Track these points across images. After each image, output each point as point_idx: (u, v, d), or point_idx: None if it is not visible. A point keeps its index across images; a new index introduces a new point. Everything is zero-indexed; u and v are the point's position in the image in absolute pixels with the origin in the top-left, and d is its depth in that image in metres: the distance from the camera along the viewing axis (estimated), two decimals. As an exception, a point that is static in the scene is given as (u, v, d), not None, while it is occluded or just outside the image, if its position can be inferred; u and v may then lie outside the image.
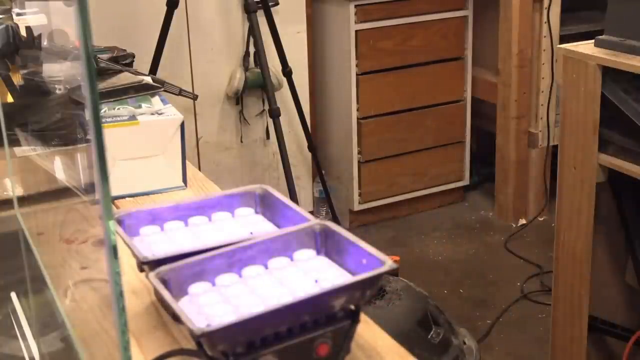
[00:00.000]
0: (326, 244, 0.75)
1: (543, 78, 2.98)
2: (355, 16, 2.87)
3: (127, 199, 1.11)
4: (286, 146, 2.53)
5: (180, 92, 1.34)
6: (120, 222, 0.80)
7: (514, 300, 2.61)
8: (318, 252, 0.75)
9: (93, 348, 0.71)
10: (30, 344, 0.81)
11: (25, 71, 1.13)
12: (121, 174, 1.08)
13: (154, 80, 1.21)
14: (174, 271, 0.70)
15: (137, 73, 1.25)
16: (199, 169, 1.42)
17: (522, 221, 3.14)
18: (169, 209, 0.84)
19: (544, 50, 2.94)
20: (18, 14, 1.14)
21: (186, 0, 2.68)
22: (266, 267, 0.74)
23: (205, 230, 0.82)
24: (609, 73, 1.61)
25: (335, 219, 3.02)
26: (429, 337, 1.57)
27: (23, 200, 1.02)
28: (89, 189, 0.63)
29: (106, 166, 0.45)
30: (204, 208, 0.85)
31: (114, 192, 1.07)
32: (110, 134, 1.06)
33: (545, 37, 2.92)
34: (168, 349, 0.72)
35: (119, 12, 2.61)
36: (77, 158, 0.73)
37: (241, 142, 2.94)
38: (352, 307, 0.68)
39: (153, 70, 2.49)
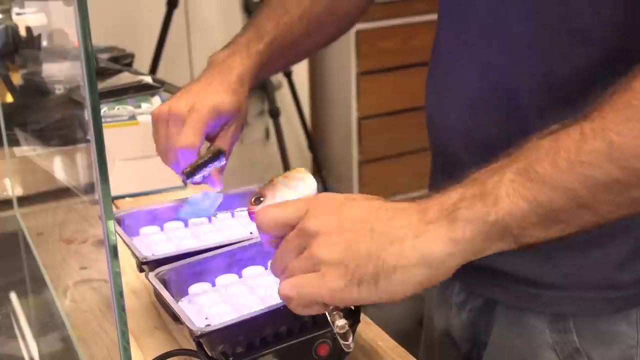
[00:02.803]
0: (326, 244, 0.74)
1: (543, 78, 2.98)
2: (355, 16, 2.87)
3: (127, 199, 1.11)
4: (286, 146, 2.53)
5: (180, 92, 1.33)
6: (120, 222, 0.80)
7: (514, 300, 2.60)
8: (318, 252, 0.75)
9: (93, 348, 0.71)
10: (30, 344, 0.81)
11: (25, 71, 1.13)
12: (121, 174, 1.08)
13: (154, 80, 1.21)
14: (174, 271, 0.70)
15: (136, 73, 1.25)
16: (199, 169, 1.42)
17: (522, 221, 3.13)
18: (169, 209, 0.84)
19: (544, 50, 2.94)
20: (18, 14, 1.14)
21: (186, 0, 2.68)
22: (266, 267, 0.74)
23: (205, 230, 0.82)
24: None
25: (335, 219, 3.01)
26: (429, 337, 1.57)
27: (23, 200, 1.02)
28: (89, 189, 0.63)
29: (106, 166, 0.45)
30: (204, 208, 0.85)
31: (114, 192, 1.06)
32: (110, 134, 1.06)
33: (545, 37, 2.92)
34: (168, 349, 0.71)
35: (118, 11, 2.61)
36: (76, 158, 0.73)
37: (241, 142, 2.93)
38: (352, 307, 0.68)
39: (153, 70, 2.49)
